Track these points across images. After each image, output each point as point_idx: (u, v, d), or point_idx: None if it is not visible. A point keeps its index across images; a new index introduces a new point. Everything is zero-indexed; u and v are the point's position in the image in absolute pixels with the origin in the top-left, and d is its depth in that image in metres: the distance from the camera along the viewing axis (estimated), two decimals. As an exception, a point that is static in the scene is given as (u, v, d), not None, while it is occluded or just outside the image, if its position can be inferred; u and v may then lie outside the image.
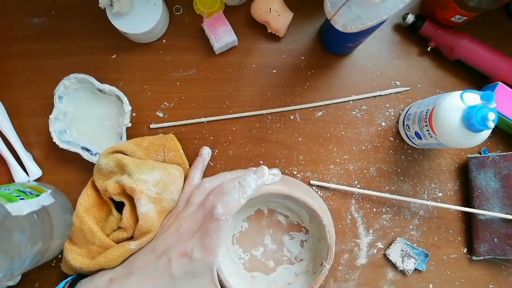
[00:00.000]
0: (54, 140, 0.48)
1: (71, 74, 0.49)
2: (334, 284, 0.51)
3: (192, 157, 0.52)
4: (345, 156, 0.53)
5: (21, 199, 0.41)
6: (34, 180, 0.50)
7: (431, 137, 0.45)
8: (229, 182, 0.42)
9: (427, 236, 0.52)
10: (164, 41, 0.53)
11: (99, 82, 0.50)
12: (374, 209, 0.52)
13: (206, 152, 0.50)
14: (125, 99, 0.49)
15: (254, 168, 0.45)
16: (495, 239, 0.49)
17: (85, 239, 0.43)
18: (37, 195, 0.44)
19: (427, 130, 0.45)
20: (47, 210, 0.44)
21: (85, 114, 0.51)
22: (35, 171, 0.50)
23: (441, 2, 0.48)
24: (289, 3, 0.52)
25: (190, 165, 0.50)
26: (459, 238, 0.52)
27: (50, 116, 0.49)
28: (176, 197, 0.45)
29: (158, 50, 0.53)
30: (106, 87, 0.49)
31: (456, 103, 0.41)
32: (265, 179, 0.42)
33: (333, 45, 0.52)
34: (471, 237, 0.51)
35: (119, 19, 0.49)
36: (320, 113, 0.53)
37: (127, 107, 0.49)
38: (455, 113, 0.41)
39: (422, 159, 0.53)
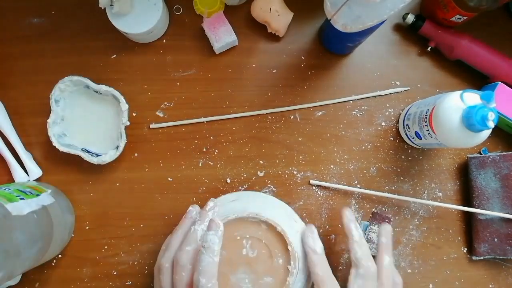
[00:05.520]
0: (54, 144, 0.48)
1: (66, 77, 0.49)
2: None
3: (191, 157, 0.52)
4: (345, 156, 0.53)
5: (21, 199, 0.41)
6: (34, 180, 0.50)
7: (431, 137, 0.45)
8: (185, 252, 0.38)
9: (427, 236, 0.52)
10: (164, 41, 0.53)
11: (94, 83, 0.49)
12: (374, 209, 0.52)
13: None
14: (121, 98, 0.49)
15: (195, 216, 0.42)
16: (495, 239, 0.49)
17: None
18: (37, 195, 0.44)
19: (427, 130, 0.45)
20: (47, 210, 0.44)
21: (83, 116, 0.51)
22: (35, 171, 0.50)
23: (441, 2, 0.48)
24: (289, 3, 0.52)
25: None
26: (459, 238, 0.52)
27: (48, 121, 0.48)
28: None
29: (158, 50, 0.53)
30: (101, 87, 0.49)
31: (456, 103, 0.41)
32: (221, 228, 0.38)
33: (333, 45, 0.52)
34: (471, 237, 0.51)
35: (119, 19, 0.49)
36: (320, 113, 0.53)
37: (124, 106, 0.49)
38: (455, 113, 0.41)
39: (422, 159, 0.53)
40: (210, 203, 0.42)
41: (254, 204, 0.44)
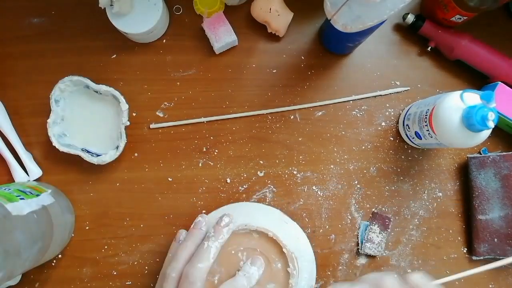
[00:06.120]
0: (54, 144, 0.48)
1: (66, 77, 0.49)
2: (334, 284, 0.51)
3: (191, 157, 0.52)
4: (345, 156, 0.53)
5: (21, 199, 0.41)
6: (34, 180, 0.50)
7: (431, 137, 0.45)
8: (197, 269, 0.37)
9: (427, 236, 0.52)
10: (164, 41, 0.53)
11: (94, 83, 0.49)
12: (374, 209, 0.52)
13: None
14: (121, 98, 0.49)
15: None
16: (495, 239, 0.49)
17: None
18: (37, 195, 0.44)
19: (427, 130, 0.45)
20: (47, 210, 0.44)
21: (83, 116, 0.51)
22: (35, 171, 0.50)
23: (441, 2, 0.48)
24: (289, 3, 0.52)
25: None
26: (459, 238, 0.52)
27: (48, 121, 0.48)
28: None
29: (158, 50, 0.53)
30: (101, 87, 0.49)
31: (456, 103, 0.41)
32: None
33: (333, 45, 0.52)
34: (471, 237, 0.51)
35: (119, 19, 0.49)
36: (320, 113, 0.53)
37: (124, 106, 0.49)
38: (455, 113, 0.41)
39: (422, 159, 0.53)
40: (226, 219, 0.40)
41: (241, 216, 0.43)
